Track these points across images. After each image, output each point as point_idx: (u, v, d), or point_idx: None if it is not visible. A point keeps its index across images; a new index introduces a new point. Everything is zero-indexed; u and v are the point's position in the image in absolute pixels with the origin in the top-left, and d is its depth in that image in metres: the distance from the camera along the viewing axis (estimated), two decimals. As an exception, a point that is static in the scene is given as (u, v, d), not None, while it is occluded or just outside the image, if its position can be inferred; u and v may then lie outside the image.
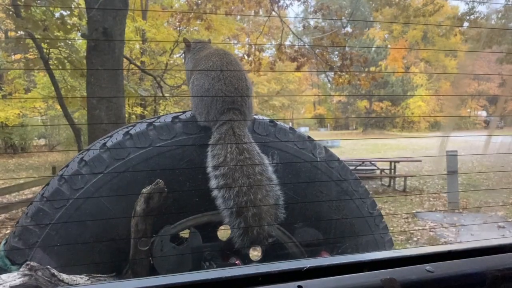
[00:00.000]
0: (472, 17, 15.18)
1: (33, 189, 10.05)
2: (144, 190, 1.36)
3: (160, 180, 1.37)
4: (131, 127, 1.61)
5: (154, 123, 1.58)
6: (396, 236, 6.50)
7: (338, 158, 1.78)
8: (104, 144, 1.52)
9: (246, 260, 1.74)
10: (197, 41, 1.99)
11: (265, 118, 1.76)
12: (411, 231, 6.78)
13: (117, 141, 1.52)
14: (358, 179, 1.78)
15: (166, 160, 1.54)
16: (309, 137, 1.77)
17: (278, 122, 1.75)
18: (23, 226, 1.41)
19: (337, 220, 1.72)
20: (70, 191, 1.44)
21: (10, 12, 7.56)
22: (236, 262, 1.69)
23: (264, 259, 1.82)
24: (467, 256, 1.15)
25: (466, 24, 15.05)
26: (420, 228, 7.11)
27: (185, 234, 1.72)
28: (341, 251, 1.71)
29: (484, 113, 42.01)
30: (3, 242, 1.49)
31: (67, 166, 1.54)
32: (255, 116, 1.73)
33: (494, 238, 1.25)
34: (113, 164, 1.48)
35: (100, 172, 1.45)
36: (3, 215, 8.06)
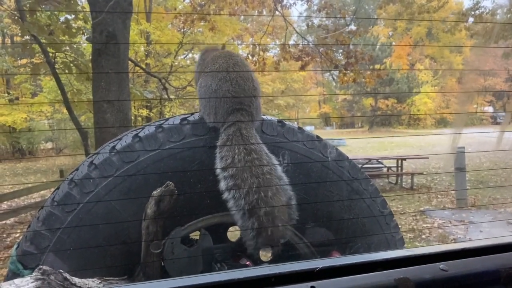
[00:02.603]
0: (477, 12, 15.07)
1: (42, 192, 10.13)
2: (154, 193, 1.36)
3: (171, 182, 1.37)
4: (140, 129, 1.61)
5: (163, 125, 1.58)
6: (404, 234, 6.46)
7: (348, 157, 1.78)
8: (114, 147, 1.53)
9: (258, 262, 1.73)
10: (209, 49, 2.00)
11: (273, 118, 1.76)
12: (420, 229, 6.75)
13: (127, 144, 1.53)
14: (368, 178, 1.77)
15: (177, 162, 1.54)
16: (317, 136, 1.76)
17: (286, 122, 1.75)
18: (34, 230, 1.41)
19: (348, 219, 1.71)
20: (81, 194, 1.44)
21: (16, 17, 7.61)
22: (247, 263, 1.69)
23: (275, 259, 1.81)
24: (481, 254, 1.13)
25: (471, 19, 14.93)
26: (429, 225, 7.08)
27: (195, 235, 1.72)
28: (353, 251, 1.70)
29: (490, 109, 41.72)
30: (15, 246, 1.50)
31: (77, 169, 1.55)
32: (263, 116, 1.73)
33: (507, 236, 1.24)
34: (123, 167, 1.48)
35: (110, 175, 1.46)
36: (12, 219, 8.12)
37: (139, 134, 1.55)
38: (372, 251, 1.71)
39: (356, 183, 1.72)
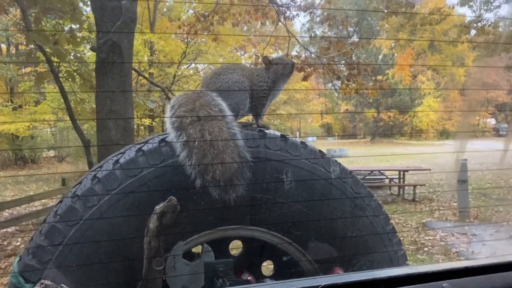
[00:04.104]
0: (479, 24, 15.15)
1: (43, 201, 10.12)
2: (157, 208, 1.36)
3: (173, 198, 1.37)
4: (143, 143, 1.62)
5: (166, 139, 1.59)
6: (406, 246, 6.42)
7: (351, 172, 1.77)
8: (117, 161, 1.53)
9: (260, 279, 1.72)
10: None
11: (276, 133, 1.76)
12: (422, 242, 6.70)
13: (130, 158, 1.53)
14: (371, 194, 1.77)
15: (180, 177, 1.54)
16: (320, 151, 1.76)
17: (289, 137, 1.75)
18: (37, 244, 1.41)
19: (351, 235, 1.70)
20: (84, 208, 1.44)
21: (21, 27, 7.69)
22: (249, 278, 1.68)
23: (276, 273, 1.80)
24: (484, 273, 1.13)
25: (473, 32, 15.00)
26: (431, 238, 7.03)
27: (197, 249, 1.71)
28: (356, 268, 1.69)
29: (493, 121, 41.68)
30: (16, 259, 1.50)
31: (80, 183, 1.55)
32: (266, 131, 1.74)
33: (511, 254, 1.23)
34: (126, 181, 1.49)
35: (113, 189, 1.46)
36: (13, 227, 8.11)
37: (142, 148, 1.56)
38: (375, 267, 1.70)
39: (359, 198, 1.72)
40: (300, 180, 1.63)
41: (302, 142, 1.74)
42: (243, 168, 1.58)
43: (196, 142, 1.54)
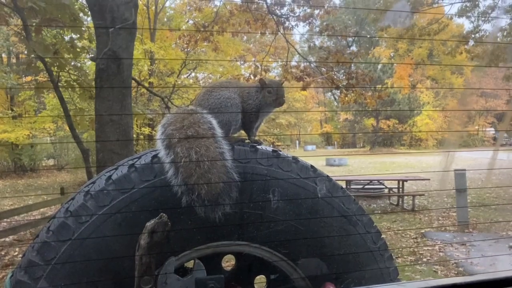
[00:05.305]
0: (477, 35, 15.27)
1: (41, 210, 10.10)
2: (148, 224, 1.37)
3: (164, 214, 1.37)
4: (136, 159, 1.63)
5: (158, 155, 1.60)
6: (405, 257, 6.40)
7: (342, 187, 1.78)
8: (110, 177, 1.54)
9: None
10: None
11: (268, 148, 1.77)
12: (421, 253, 6.68)
13: (123, 174, 1.54)
14: (361, 208, 1.77)
15: (171, 192, 1.56)
16: (312, 166, 1.77)
17: (281, 152, 1.76)
18: (29, 259, 1.42)
19: (341, 249, 1.70)
20: (76, 224, 1.45)
21: (22, 37, 7.74)
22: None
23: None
24: (473, 290, 1.13)
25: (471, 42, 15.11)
26: (430, 248, 7.01)
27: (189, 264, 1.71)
28: (346, 282, 1.69)
29: (492, 130, 41.71)
30: (9, 275, 1.50)
31: (72, 199, 1.56)
32: (258, 147, 1.75)
33: (501, 271, 1.24)
34: (118, 197, 1.50)
35: (105, 205, 1.47)
36: (11, 237, 8.08)
37: (135, 164, 1.57)
38: (366, 282, 1.70)
39: (349, 213, 1.72)
40: (289, 200, 1.63)
41: (293, 157, 1.76)
42: (230, 187, 1.58)
43: (182, 161, 1.55)
